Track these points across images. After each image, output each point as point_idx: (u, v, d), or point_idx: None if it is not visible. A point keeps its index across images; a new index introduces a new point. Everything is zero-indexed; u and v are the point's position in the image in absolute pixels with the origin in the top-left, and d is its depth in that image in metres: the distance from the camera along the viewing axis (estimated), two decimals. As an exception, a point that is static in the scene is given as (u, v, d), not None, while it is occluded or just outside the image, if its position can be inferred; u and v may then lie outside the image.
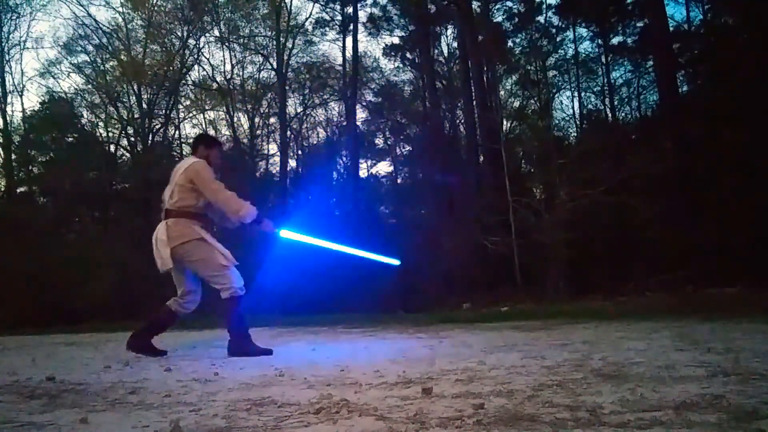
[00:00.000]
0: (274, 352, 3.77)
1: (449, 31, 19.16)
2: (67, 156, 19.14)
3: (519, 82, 17.92)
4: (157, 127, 19.26)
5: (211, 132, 20.38)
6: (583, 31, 18.23)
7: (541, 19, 18.17)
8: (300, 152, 20.80)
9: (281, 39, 18.51)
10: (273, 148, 19.97)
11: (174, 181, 3.89)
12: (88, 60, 19.59)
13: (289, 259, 8.26)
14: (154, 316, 4.01)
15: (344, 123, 19.34)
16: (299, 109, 20.20)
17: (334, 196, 19.52)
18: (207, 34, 19.43)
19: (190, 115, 20.68)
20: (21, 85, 19.69)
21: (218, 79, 19.68)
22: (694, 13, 15.84)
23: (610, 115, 17.50)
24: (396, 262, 4.97)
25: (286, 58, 18.58)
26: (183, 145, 20.38)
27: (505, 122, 15.26)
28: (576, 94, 18.43)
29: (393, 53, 19.72)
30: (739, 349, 2.84)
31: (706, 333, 3.88)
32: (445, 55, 19.62)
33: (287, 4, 18.82)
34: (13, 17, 19.44)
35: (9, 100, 19.39)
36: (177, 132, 20.41)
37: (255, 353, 3.65)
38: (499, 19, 18.12)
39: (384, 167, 21.80)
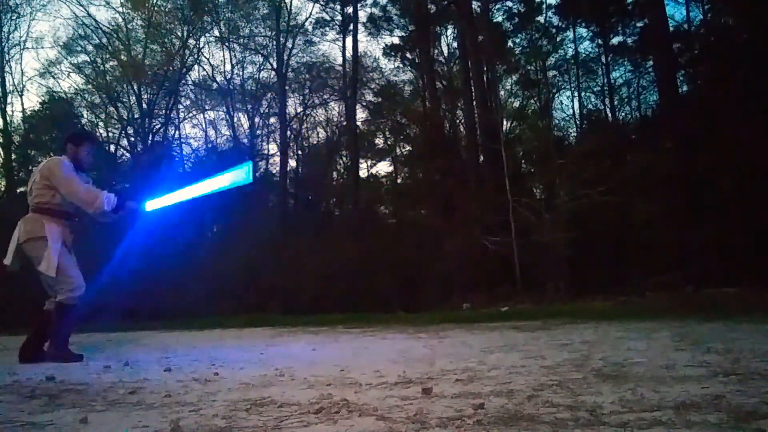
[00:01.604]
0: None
1: (449, 31, 19.16)
2: (66, 156, 19.13)
3: (519, 82, 17.91)
4: (157, 127, 19.24)
5: (211, 132, 20.42)
6: (583, 31, 18.20)
7: (541, 19, 18.16)
8: (300, 152, 20.80)
9: (281, 39, 18.51)
10: (273, 148, 19.98)
11: (32, 179, 3.88)
12: (88, 60, 19.58)
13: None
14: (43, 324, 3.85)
15: (344, 123, 19.34)
16: (299, 109, 20.20)
17: (334, 196, 19.53)
18: (207, 34, 19.45)
19: (190, 115, 20.68)
20: (21, 85, 19.71)
21: (218, 79, 19.70)
22: (694, 13, 15.83)
23: (610, 115, 17.46)
24: (246, 173, 3.84)
25: (286, 58, 18.57)
26: (183, 145, 20.43)
27: (505, 122, 15.23)
28: (576, 94, 18.40)
29: (393, 53, 19.69)
30: (739, 349, 2.84)
31: (706, 333, 3.88)
32: (445, 55, 19.62)
33: (287, 4, 18.81)
34: (13, 17, 19.43)
35: (9, 100, 19.41)
36: (177, 132, 20.42)
37: (69, 360, 3.58)
38: (499, 19, 18.12)
39: (384, 167, 21.82)
